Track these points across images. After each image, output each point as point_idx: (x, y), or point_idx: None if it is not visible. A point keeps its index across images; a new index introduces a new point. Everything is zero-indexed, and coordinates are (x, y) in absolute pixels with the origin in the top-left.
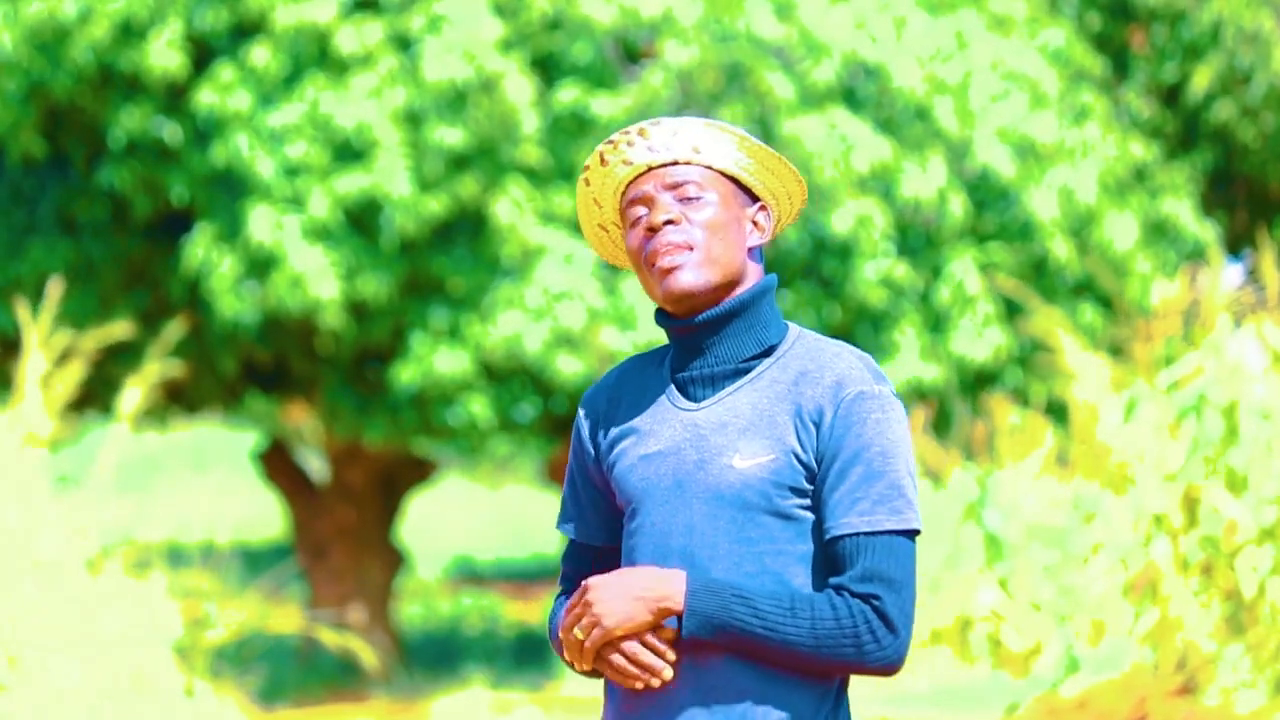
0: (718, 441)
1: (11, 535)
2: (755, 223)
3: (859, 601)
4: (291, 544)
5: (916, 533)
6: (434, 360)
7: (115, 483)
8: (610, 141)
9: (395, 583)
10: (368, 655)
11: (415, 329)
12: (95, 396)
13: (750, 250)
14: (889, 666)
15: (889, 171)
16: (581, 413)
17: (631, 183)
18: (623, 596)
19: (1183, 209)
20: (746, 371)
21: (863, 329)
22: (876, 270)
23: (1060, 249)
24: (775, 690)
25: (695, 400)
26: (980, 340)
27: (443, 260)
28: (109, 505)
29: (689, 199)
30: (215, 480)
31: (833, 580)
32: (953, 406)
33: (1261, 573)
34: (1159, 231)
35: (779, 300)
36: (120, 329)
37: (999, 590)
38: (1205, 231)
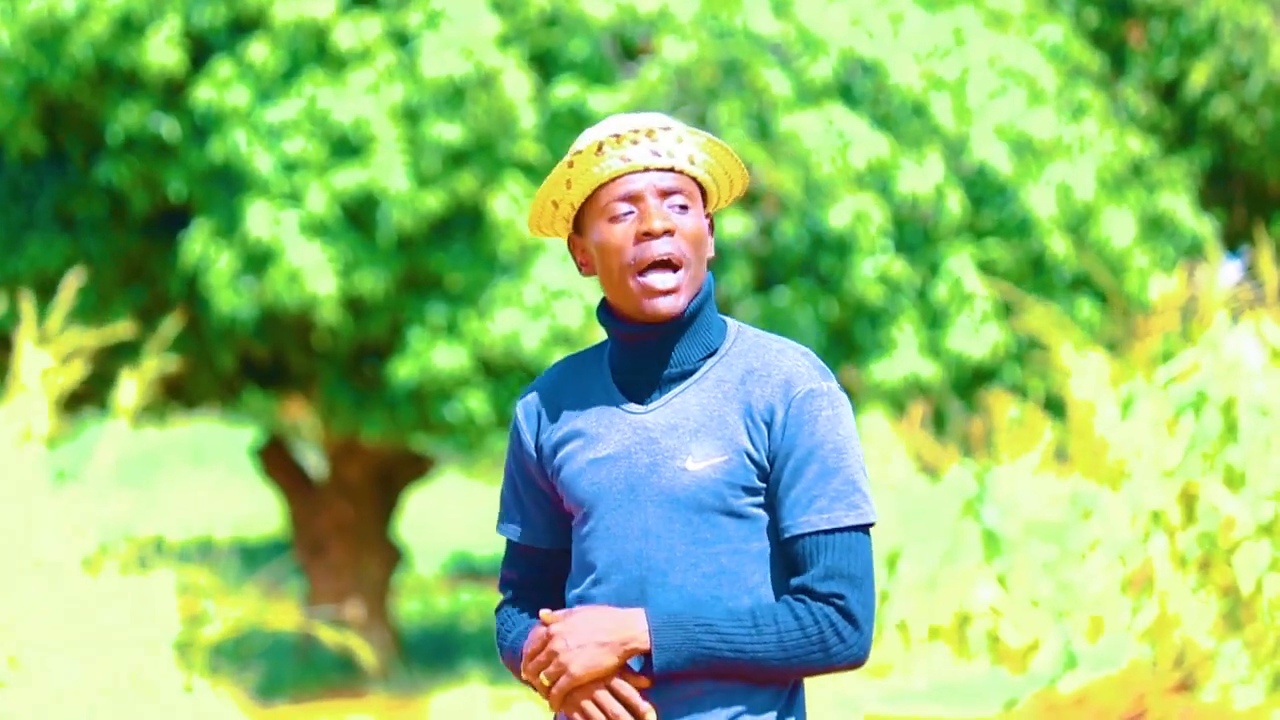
0: (669, 444)
1: (10, 532)
2: (710, 228)
3: (820, 605)
4: (289, 540)
5: (872, 525)
6: (432, 356)
7: (114, 479)
8: (616, 135)
9: (393, 579)
10: (365, 652)
11: (413, 325)
12: (93, 393)
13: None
14: (855, 663)
15: (886, 168)
16: (520, 414)
17: (620, 178)
18: (587, 643)
19: (1180, 204)
20: (692, 372)
21: (860, 325)
22: (874, 266)
23: (1058, 245)
24: (735, 688)
25: (642, 403)
26: (978, 337)
27: (440, 256)
28: (107, 501)
29: (679, 208)
30: (213, 476)
31: (795, 581)
32: (948, 403)
33: (1259, 569)
34: (1156, 227)
35: (777, 297)
36: (123, 329)
37: (997, 586)
38: (1203, 226)
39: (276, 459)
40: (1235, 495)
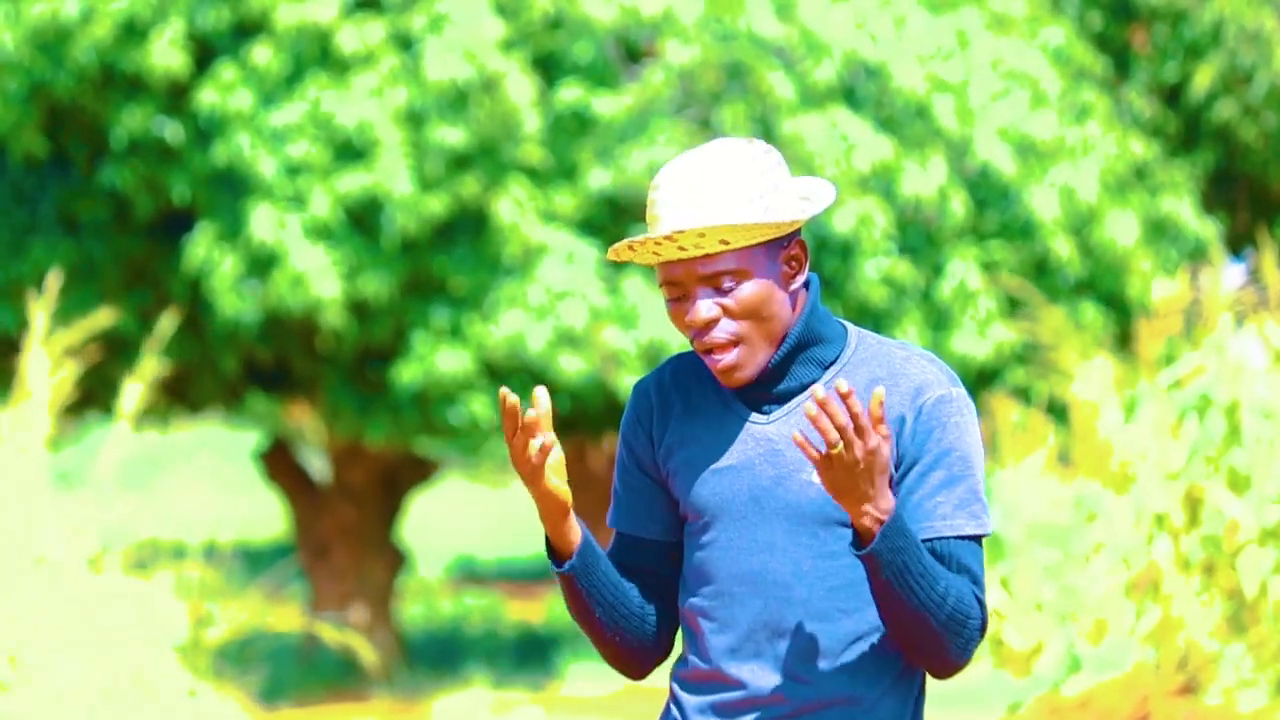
0: (793, 456)
1: (12, 534)
2: (792, 260)
3: (981, 600)
4: (293, 543)
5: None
6: (436, 360)
7: (117, 482)
8: (639, 241)
9: (397, 582)
10: (368, 655)
11: (417, 328)
12: (97, 396)
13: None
14: (961, 668)
15: (890, 170)
16: (638, 404)
17: (663, 264)
18: (880, 472)
19: (1184, 207)
20: (812, 383)
21: (864, 327)
22: (878, 269)
23: (1061, 248)
24: (872, 693)
25: (763, 413)
26: (982, 339)
27: (444, 260)
28: (110, 504)
29: (724, 291)
30: (217, 480)
31: None
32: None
33: (1263, 572)
34: (1160, 230)
35: None
36: (105, 316)
37: (1000, 589)
38: (1206, 229)
39: (280, 462)
40: (1239, 498)
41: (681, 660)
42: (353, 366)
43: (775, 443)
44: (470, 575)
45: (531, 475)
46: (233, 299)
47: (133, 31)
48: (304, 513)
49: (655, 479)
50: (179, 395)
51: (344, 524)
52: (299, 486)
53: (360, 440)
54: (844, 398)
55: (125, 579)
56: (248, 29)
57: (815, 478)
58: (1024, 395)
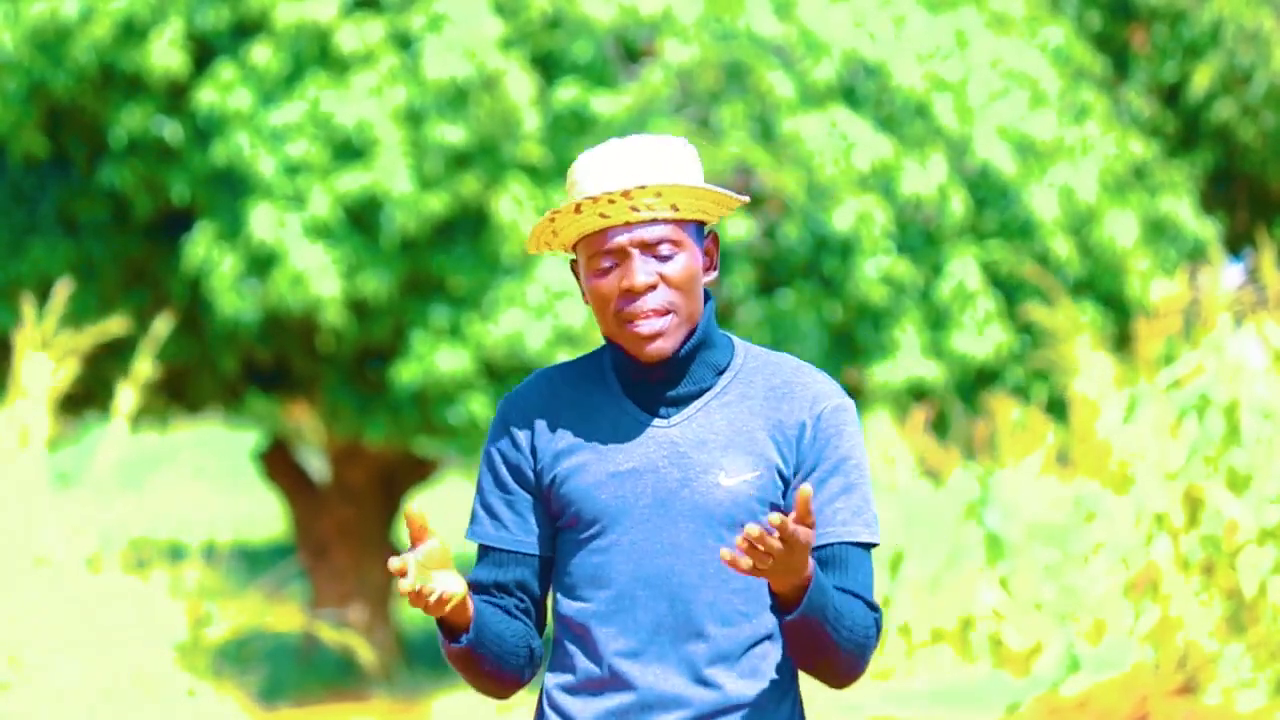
0: (701, 459)
1: (12, 534)
2: (708, 252)
3: (876, 615)
4: (292, 543)
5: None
6: (435, 359)
7: (116, 482)
8: (592, 198)
9: (396, 582)
10: (368, 655)
11: (416, 327)
12: (96, 396)
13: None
14: (857, 678)
15: (889, 169)
16: (512, 419)
17: (602, 232)
18: (802, 553)
19: (1182, 207)
20: (709, 388)
21: (863, 327)
22: (877, 268)
23: (1061, 247)
24: (773, 697)
25: (663, 417)
26: (981, 338)
27: (443, 258)
28: (109, 504)
29: (664, 257)
30: (216, 479)
31: (838, 585)
32: (950, 405)
33: (1262, 572)
34: (1159, 230)
35: (781, 300)
36: (117, 325)
37: (1000, 589)
38: (1205, 229)
39: (279, 462)
40: (1238, 498)
41: (561, 668)
42: (352, 366)
43: (679, 445)
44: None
45: (433, 610)
46: (232, 298)
47: (132, 31)
48: (303, 512)
49: (531, 491)
50: (178, 395)
51: (343, 524)
52: (298, 486)
53: (359, 440)
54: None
55: (125, 579)
56: (247, 28)
57: (723, 480)
58: (1023, 394)
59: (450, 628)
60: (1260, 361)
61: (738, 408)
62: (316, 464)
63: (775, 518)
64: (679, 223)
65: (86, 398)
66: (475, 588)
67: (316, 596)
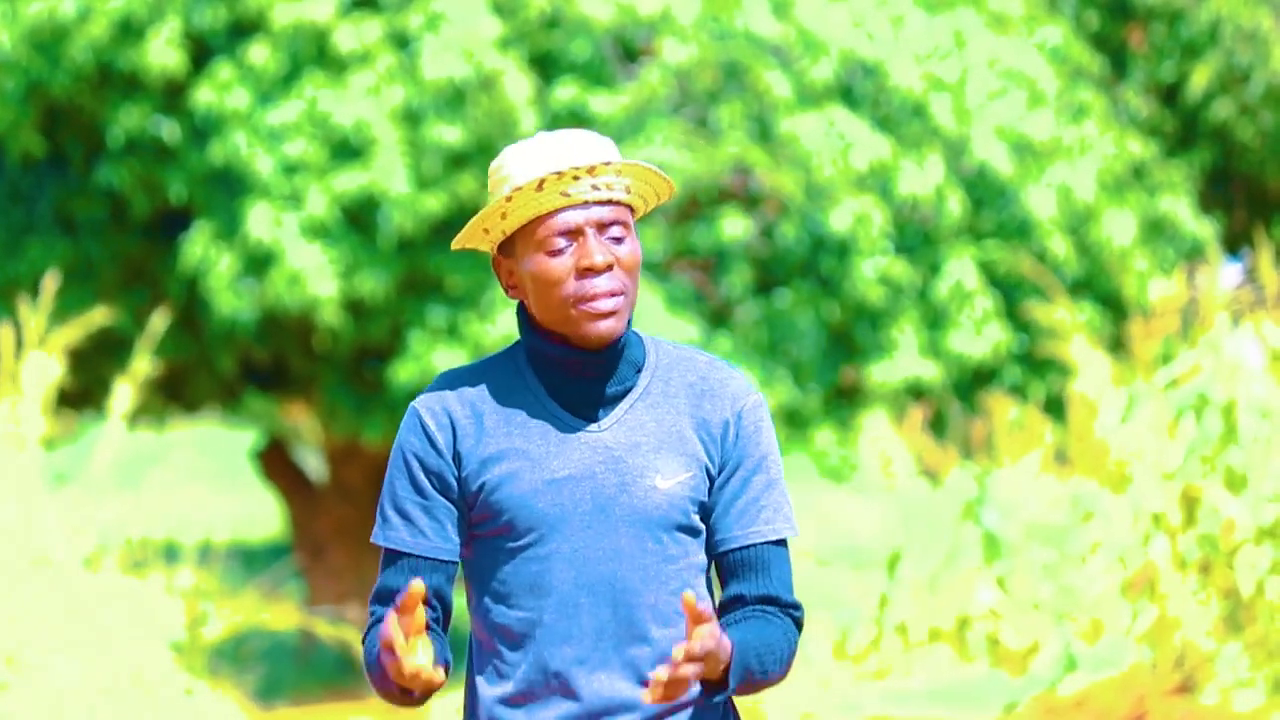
0: (636, 463)
1: (9, 534)
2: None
3: (789, 620)
4: (290, 543)
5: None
6: (432, 358)
7: (113, 481)
8: (558, 173)
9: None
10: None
11: (413, 327)
12: (94, 395)
13: None
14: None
15: (887, 169)
16: (430, 423)
17: (557, 212)
18: (714, 657)
19: (1181, 206)
20: (631, 388)
21: (861, 327)
22: (875, 268)
23: (1058, 247)
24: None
25: (592, 420)
26: (979, 338)
27: (441, 258)
28: (106, 503)
29: (616, 239)
30: (213, 479)
31: (756, 590)
32: (948, 404)
33: (1260, 571)
34: (1157, 229)
35: (778, 299)
36: (101, 315)
37: (997, 589)
38: (1203, 228)
39: (277, 462)
40: (1236, 497)
41: (498, 678)
42: (349, 365)
43: (614, 450)
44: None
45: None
46: (229, 298)
47: (129, 30)
48: (301, 512)
49: (450, 498)
50: (175, 394)
51: (341, 523)
52: (296, 486)
53: (357, 439)
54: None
55: (122, 578)
56: (244, 28)
57: (659, 483)
58: (1021, 394)
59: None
60: (1258, 361)
61: (663, 408)
62: (314, 463)
63: (677, 651)
64: (628, 208)
65: (84, 396)
66: (386, 595)
67: (314, 596)
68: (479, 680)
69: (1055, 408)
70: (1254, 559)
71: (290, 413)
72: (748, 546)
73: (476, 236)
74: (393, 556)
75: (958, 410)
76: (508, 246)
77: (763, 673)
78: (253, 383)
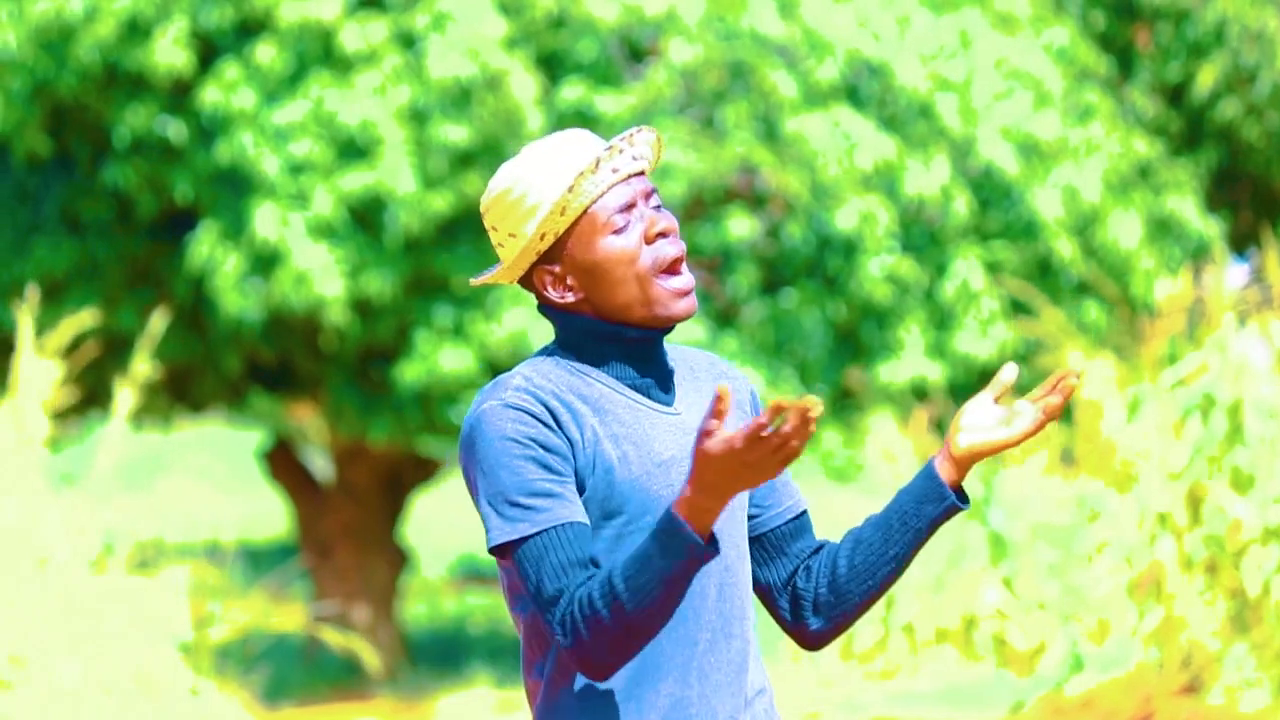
0: None
1: (14, 534)
2: None
3: None
4: (296, 543)
5: None
6: (439, 358)
7: (119, 481)
8: (609, 147)
9: (400, 581)
10: (371, 655)
11: (420, 327)
12: (99, 396)
13: None
14: None
15: (893, 169)
16: (534, 408)
17: (610, 190)
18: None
19: (1187, 206)
20: (673, 371)
21: (868, 326)
22: (881, 268)
23: (1064, 247)
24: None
25: (663, 403)
26: (985, 337)
27: (447, 258)
28: (111, 504)
29: (658, 208)
30: (219, 479)
31: (816, 542)
32: (955, 405)
33: (1266, 571)
34: (1163, 229)
35: (785, 299)
36: (88, 317)
37: (1003, 589)
38: (1210, 228)
39: (283, 462)
40: (1242, 498)
41: (575, 674)
42: (355, 365)
43: (689, 433)
44: (473, 574)
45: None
46: (235, 298)
47: (136, 30)
48: (307, 512)
49: (575, 480)
50: (182, 394)
51: (347, 523)
52: (302, 486)
53: (363, 439)
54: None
55: (128, 578)
56: (251, 27)
57: None
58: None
59: (704, 527)
60: (1264, 361)
61: (703, 391)
62: (320, 464)
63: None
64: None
65: (92, 398)
66: (566, 568)
67: (320, 596)
68: (570, 679)
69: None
70: (1260, 559)
71: (296, 413)
72: (800, 514)
73: (529, 252)
74: (543, 541)
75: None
76: (549, 252)
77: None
78: (259, 383)
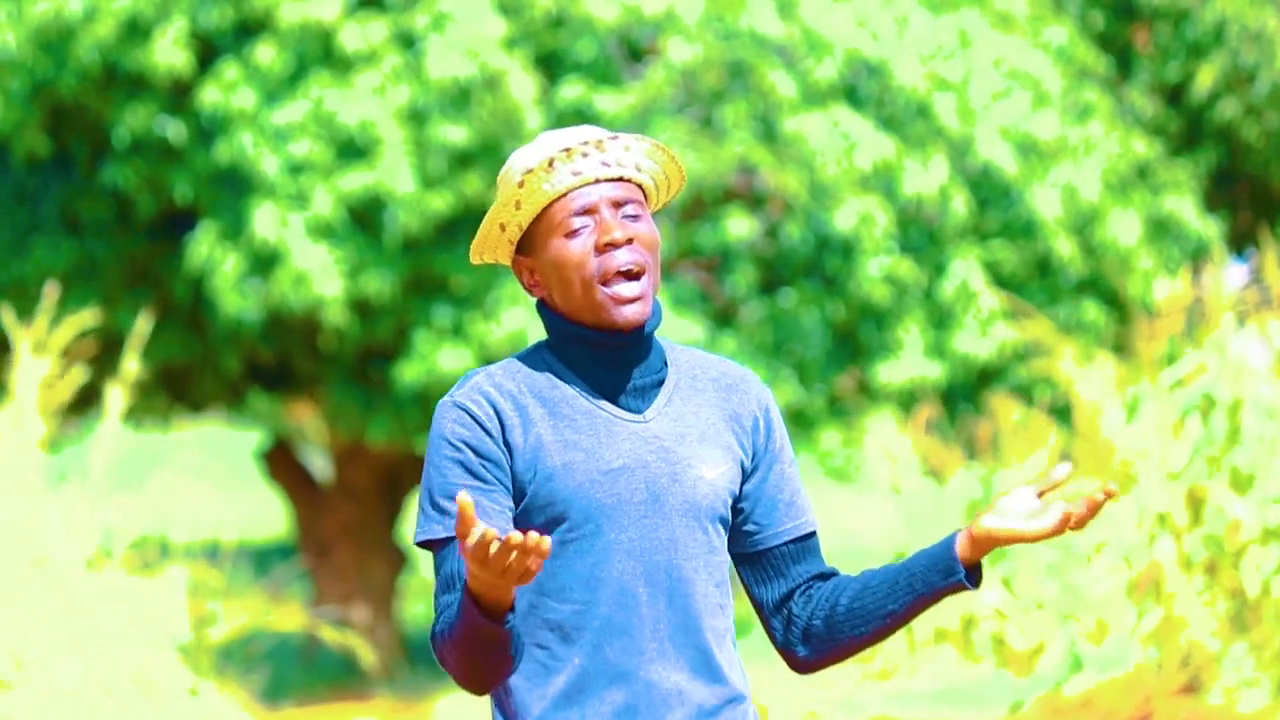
0: (684, 453)
1: (13, 534)
2: None
3: None
4: (295, 543)
5: None
6: (437, 358)
7: (117, 481)
8: (566, 149)
9: (399, 581)
10: (369, 655)
11: (419, 327)
12: (99, 396)
13: None
14: None
15: (891, 169)
16: (478, 413)
17: (572, 192)
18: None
19: (1186, 206)
20: (661, 381)
21: (866, 327)
22: (880, 268)
23: (1063, 247)
24: (746, 688)
25: (634, 411)
26: (984, 337)
27: (446, 258)
28: (109, 504)
29: (632, 217)
30: (218, 479)
31: (824, 569)
32: (952, 405)
33: (1266, 571)
34: (1162, 229)
35: (783, 299)
36: (89, 317)
37: (1002, 589)
38: (1209, 228)
39: (282, 462)
40: (1241, 498)
41: (547, 673)
42: (355, 365)
43: (663, 440)
44: None
45: (521, 577)
46: (235, 298)
47: (135, 30)
48: (306, 512)
49: (505, 487)
50: (181, 394)
51: (346, 523)
52: (301, 486)
53: (362, 439)
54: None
55: (127, 578)
56: (250, 28)
57: (706, 473)
58: (1025, 394)
59: (492, 606)
60: (1263, 361)
61: (696, 400)
62: (319, 463)
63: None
64: (640, 190)
65: (90, 398)
66: (451, 582)
67: (319, 596)
68: (516, 680)
69: (1060, 408)
70: (1259, 559)
71: (295, 413)
72: (801, 538)
73: (493, 238)
74: (451, 546)
75: (963, 410)
76: (526, 244)
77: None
78: (258, 383)
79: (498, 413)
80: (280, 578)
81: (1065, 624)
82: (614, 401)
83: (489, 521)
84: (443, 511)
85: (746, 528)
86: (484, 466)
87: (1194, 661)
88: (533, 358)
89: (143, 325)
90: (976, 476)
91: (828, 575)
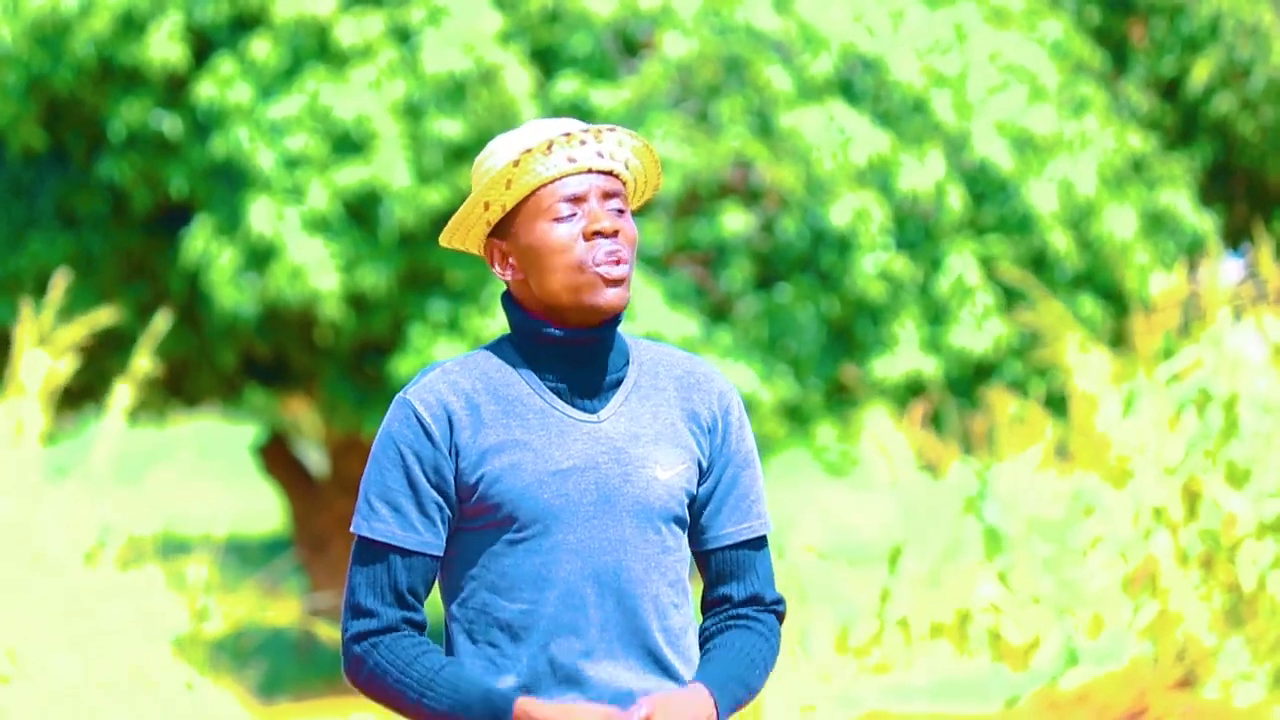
0: (637, 454)
1: (9, 529)
2: None
3: (769, 615)
4: (291, 537)
5: None
6: (433, 352)
7: (113, 476)
8: (566, 134)
9: None
10: None
11: (415, 321)
12: (95, 390)
13: None
14: None
15: (887, 164)
16: (425, 415)
17: (564, 178)
18: None
19: (1181, 200)
20: (623, 379)
21: (862, 322)
22: (875, 263)
23: (1059, 241)
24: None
25: (589, 411)
26: (980, 332)
27: (442, 252)
28: (106, 499)
29: (618, 211)
30: (214, 473)
31: (744, 591)
32: (949, 400)
33: (1261, 566)
34: (1158, 223)
35: (779, 294)
36: (106, 315)
37: (998, 583)
38: (1204, 223)
39: (278, 456)
40: (1237, 492)
41: (498, 673)
42: (351, 360)
43: (615, 440)
44: None
45: None
46: (231, 292)
47: (131, 24)
48: (302, 506)
49: (442, 491)
50: (176, 389)
51: (342, 518)
52: (297, 480)
53: (358, 433)
54: None
55: (123, 573)
56: (246, 22)
57: (660, 474)
58: (1022, 389)
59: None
60: (1259, 355)
61: (655, 399)
62: (315, 458)
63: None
64: (625, 182)
65: (86, 392)
66: (381, 589)
67: (315, 590)
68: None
69: (1056, 402)
70: (1255, 554)
71: (291, 407)
72: (740, 544)
73: (473, 218)
74: (376, 549)
75: (958, 404)
76: (504, 226)
77: (749, 693)
78: (254, 377)
79: (448, 414)
80: (276, 572)
81: (1061, 618)
82: (570, 401)
83: (414, 534)
84: (373, 511)
85: (695, 528)
86: (424, 473)
87: (1190, 655)
88: (494, 351)
89: (160, 325)
90: (973, 471)
91: (735, 602)
